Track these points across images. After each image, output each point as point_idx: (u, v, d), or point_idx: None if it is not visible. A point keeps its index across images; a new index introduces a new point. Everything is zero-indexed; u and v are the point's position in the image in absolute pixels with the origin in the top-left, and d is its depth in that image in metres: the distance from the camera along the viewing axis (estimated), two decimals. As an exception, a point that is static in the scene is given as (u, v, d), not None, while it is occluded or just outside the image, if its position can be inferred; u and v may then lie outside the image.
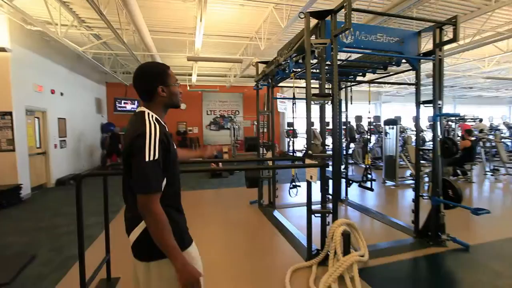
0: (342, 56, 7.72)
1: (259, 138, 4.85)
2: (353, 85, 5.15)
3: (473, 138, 6.45)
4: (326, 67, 2.90)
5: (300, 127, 11.31)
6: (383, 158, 6.86)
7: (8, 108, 5.63)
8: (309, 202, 2.78)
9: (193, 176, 8.06)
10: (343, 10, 2.48)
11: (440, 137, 3.22)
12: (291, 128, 11.32)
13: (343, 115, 5.16)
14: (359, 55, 4.31)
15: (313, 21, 2.88)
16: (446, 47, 7.24)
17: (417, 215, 3.38)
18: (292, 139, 5.48)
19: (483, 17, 6.26)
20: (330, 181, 3.08)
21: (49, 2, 5.26)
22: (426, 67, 10.23)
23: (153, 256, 1.10)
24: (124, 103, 11.05)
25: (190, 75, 9.50)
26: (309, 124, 2.76)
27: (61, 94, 7.63)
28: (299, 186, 4.13)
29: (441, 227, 3.16)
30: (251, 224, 4.21)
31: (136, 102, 11.31)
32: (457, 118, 7.37)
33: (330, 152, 2.87)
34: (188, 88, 11.06)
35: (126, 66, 9.87)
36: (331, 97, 2.68)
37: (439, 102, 3.19)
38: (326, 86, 2.76)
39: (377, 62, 3.88)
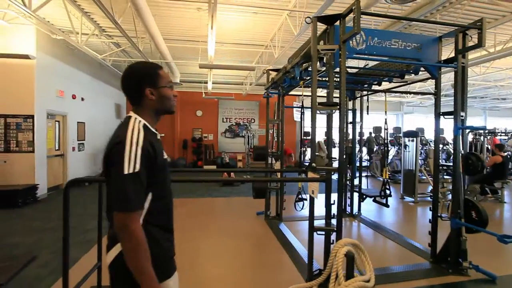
0: (355, 63, 7.53)
1: (267, 147, 4.71)
2: (368, 94, 4.90)
3: (504, 154, 5.90)
4: (335, 75, 2.74)
5: (318, 136, 11.02)
6: (402, 172, 6.45)
7: (31, 112, 5.90)
8: (311, 218, 2.58)
9: (203, 183, 8.01)
10: (352, 14, 2.32)
11: (462, 152, 2.92)
12: (307, 137, 11.12)
13: (358, 126, 4.90)
14: (375, 62, 4.10)
15: (322, 27, 2.75)
16: (474, 55, 6.86)
17: (434, 237, 3.06)
18: (307, 148, 5.30)
19: (516, 23, 5.81)
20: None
21: (72, 12, 5.52)
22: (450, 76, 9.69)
23: (128, 283, 0.94)
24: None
25: (206, 82, 9.58)
26: (313, 134, 2.58)
27: (82, 99, 7.94)
28: (306, 199, 3.92)
29: (462, 253, 2.82)
30: (255, 236, 4.03)
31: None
32: (485, 131, 6.81)
33: (336, 165, 2.67)
34: (203, 95, 11.17)
35: (145, 73, 10.13)
36: (338, 106, 2.50)
37: (462, 113, 2.90)
38: (334, 95, 2.59)
39: (393, 70, 3.64)
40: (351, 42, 2.75)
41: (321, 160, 2.60)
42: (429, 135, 11.18)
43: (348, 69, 6.63)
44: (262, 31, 6.40)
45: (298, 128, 12.94)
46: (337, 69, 2.65)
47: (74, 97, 7.51)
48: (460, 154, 2.89)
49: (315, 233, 2.57)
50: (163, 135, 11.90)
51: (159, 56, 6.97)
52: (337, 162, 2.67)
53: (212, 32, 4.67)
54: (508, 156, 5.90)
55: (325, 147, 2.76)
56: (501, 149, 5.82)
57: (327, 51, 2.53)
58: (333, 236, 2.62)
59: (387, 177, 4.12)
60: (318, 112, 2.56)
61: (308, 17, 2.56)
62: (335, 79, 3.23)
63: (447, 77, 8.74)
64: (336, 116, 2.58)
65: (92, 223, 4.31)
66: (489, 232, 2.64)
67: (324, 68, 3.01)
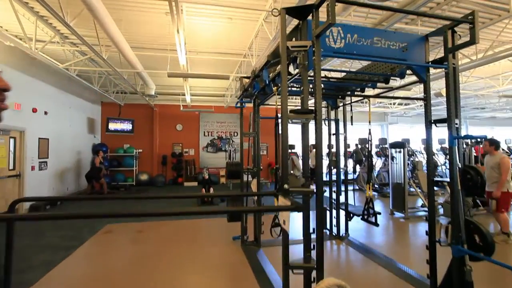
0: (336, 68, 7.24)
1: (242, 163, 4.21)
2: (352, 102, 4.54)
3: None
4: (310, 78, 2.32)
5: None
6: (390, 185, 6.08)
7: (-25, 128, 5.21)
8: (285, 254, 2.07)
9: (180, 202, 7.37)
10: (326, 2, 1.92)
11: (460, 165, 2.52)
12: (292, 150, 10.70)
13: (341, 137, 4.50)
14: (360, 66, 3.75)
15: (296, 24, 2.35)
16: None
17: (433, 266, 2.60)
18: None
19: (496, 29, 5.72)
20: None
21: (26, 16, 4.98)
22: (435, 86, 9.64)
23: None
24: (117, 123, 10.68)
25: (184, 94, 9.11)
26: (285, 148, 2.11)
27: (45, 113, 7.26)
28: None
29: (467, 286, 2.37)
30: (228, 268, 3.46)
31: (129, 122, 10.94)
32: (482, 140, 6.58)
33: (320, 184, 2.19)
34: (181, 108, 10.65)
35: (119, 85, 9.58)
36: (313, 115, 2.05)
37: (456, 121, 2.52)
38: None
39: (376, 74, 3.28)
40: (327, 39, 2.36)
41: (296, 180, 2.13)
42: (415, 145, 11.03)
43: (327, 73, 6.37)
44: (239, 39, 6.05)
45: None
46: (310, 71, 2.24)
47: (35, 110, 6.82)
48: (458, 168, 2.49)
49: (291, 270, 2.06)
50: (140, 150, 11.24)
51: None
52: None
53: (179, 37, 4.23)
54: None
55: (300, 163, 2.29)
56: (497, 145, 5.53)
57: (299, 49, 2.11)
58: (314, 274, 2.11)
59: (371, 194, 3.67)
60: (290, 121, 2.11)
61: (275, 8, 2.15)
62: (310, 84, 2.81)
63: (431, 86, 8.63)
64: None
65: (37, 258, 3.64)
66: (499, 263, 2.19)
67: (297, 71, 2.59)
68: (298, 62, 2.30)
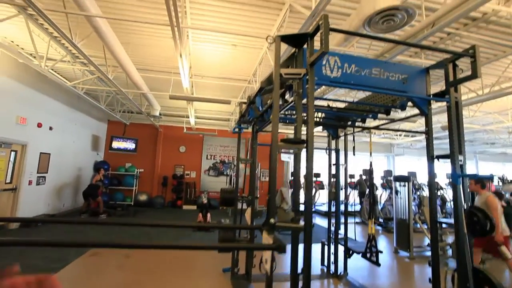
0: (335, 98, 7.25)
1: (237, 191, 4.05)
2: (354, 132, 4.43)
3: (505, 204, 5.30)
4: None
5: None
6: (395, 221, 5.75)
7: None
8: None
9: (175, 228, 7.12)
10: (323, 32, 1.89)
11: (465, 206, 2.32)
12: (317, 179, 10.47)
13: (342, 168, 4.33)
14: (361, 97, 3.69)
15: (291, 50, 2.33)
16: (462, 97, 6.66)
17: (439, 320, 2.31)
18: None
19: (502, 65, 5.68)
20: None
21: (41, 36, 5.19)
22: (441, 119, 9.52)
23: None
24: (120, 141, 10.74)
25: (189, 117, 9.18)
26: (273, 180, 1.97)
27: (50, 128, 7.36)
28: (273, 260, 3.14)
29: None
30: (213, 304, 3.18)
31: (132, 141, 11.01)
32: (488, 180, 6.29)
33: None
34: (184, 130, 10.70)
35: (125, 104, 9.76)
36: (305, 145, 1.94)
37: (460, 157, 2.37)
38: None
39: (377, 105, 3.19)
40: (323, 68, 2.31)
41: (284, 214, 1.98)
42: (422, 179, 10.68)
43: (330, 103, 6.33)
44: (243, 66, 6.15)
45: (285, 168, 12.36)
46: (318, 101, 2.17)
47: (40, 125, 6.92)
48: (463, 210, 2.29)
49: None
50: (142, 170, 11.18)
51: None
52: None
53: (182, 62, 4.30)
54: (509, 206, 5.26)
55: (289, 196, 2.14)
56: (501, 198, 5.24)
57: (292, 76, 2.05)
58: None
59: (374, 232, 3.43)
60: (279, 151, 1.99)
61: (269, 36, 2.14)
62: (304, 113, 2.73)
63: (436, 119, 8.53)
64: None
65: None
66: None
67: (294, 99, 2.53)
68: (293, 89, 2.24)
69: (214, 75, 6.74)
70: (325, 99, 3.25)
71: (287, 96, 2.63)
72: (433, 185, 2.54)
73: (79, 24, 4.19)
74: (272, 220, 1.84)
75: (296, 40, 2.17)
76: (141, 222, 1.97)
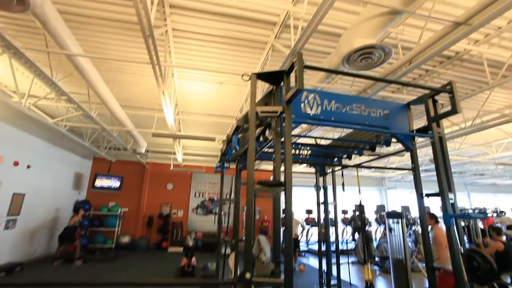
0: (322, 135, 7.25)
1: (220, 234, 3.75)
2: (341, 169, 4.31)
3: (504, 239, 5.08)
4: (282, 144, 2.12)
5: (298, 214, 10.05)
6: (391, 261, 5.41)
7: None
8: None
9: (159, 268, 6.54)
10: (297, 70, 1.84)
11: (462, 250, 2.13)
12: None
13: (331, 205, 4.13)
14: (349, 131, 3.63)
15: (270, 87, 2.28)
16: (445, 130, 6.79)
17: None
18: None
19: (480, 99, 5.87)
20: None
21: (26, 74, 5.15)
22: (429, 151, 9.60)
23: None
24: (104, 179, 10.33)
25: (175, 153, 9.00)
26: (249, 228, 1.77)
27: (28, 166, 7.02)
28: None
29: None
30: None
31: (117, 178, 10.60)
32: (482, 218, 6.14)
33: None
34: (171, 167, 10.43)
35: (111, 141, 9.56)
36: (283, 188, 1.78)
37: (450, 196, 2.23)
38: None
39: (361, 141, 3.12)
40: (302, 106, 2.24)
41: (262, 266, 1.74)
42: (416, 212, 10.46)
43: (310, 139, 6.28)
44: (230, 103, 6.18)
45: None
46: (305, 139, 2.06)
47: (16, 163, 6.59)
48: (460, 254, 2.10)
49: None
50: (126, 209, 10.63)
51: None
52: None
53: (165, 99, 4.25)
54: (511, 243, 5.04)
55: (268, 246, 1.92)
56: (499, 233, 5.03)
57: (269, 114, 1.96)
58: None
59: (370, 277, 3.14)
60: (256, 194, 1.83)
61: (245, 74, 2.09)
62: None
63: (424, 151, 8.58)
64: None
65: None
66: None
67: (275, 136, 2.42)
68: (271, 128, 2.14)
69: (201, 112, 6.74)
70: (310, 136, 3.18)
71: (267, 134, 2.53)
72: (425, 225, 2.35)
73: (62, 62, 4.18)
74: (247, 275, 1.61)
75: (273, 78, 2.13)
76: (89, 281, 1.68)
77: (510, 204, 13.78)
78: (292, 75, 1.93)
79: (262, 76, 2.09)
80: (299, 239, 7.39)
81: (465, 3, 3.35)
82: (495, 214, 9.00)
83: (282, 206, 2.01)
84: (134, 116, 6.60)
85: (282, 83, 2.12)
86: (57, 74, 4.09)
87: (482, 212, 7.57)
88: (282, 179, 1.81)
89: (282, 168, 1.85)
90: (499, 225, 7.33)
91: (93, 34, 3.94)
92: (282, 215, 2.03)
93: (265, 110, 1.95)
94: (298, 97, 2.21)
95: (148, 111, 6.39)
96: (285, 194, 1.76)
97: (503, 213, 9.07)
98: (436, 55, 3.18)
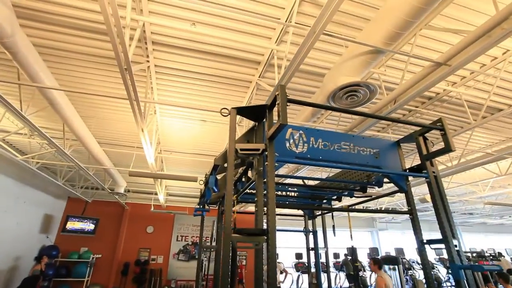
0: (310, 175, 7.03)
1: (197, 285, 3.27)
2: (332, 211, 4.04)
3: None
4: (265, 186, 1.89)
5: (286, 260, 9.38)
6: (391, 315, 4.87)
7: None
8: None
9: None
10: (279, 103, 1.69)
11: (475, 309, 1.83)
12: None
13: (322, 251, 3.76)
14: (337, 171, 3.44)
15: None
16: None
17: None
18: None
19: (463, 139, 5.94)
20: None
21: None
22: (417, 191, 9.50)
23: None
24: (77, 222, 9.49)
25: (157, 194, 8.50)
26: (225, 280, 1.45)
27: (-12, 209, 6.33)
28: None
29: None
30: None
31: (92, 221, 9.77)
32: (496, 272, 5.84)
33: None
34: (152, 208, 9.79)
35: (89, 180, 8.99)
36: (265, 237, 1.50)
37: (455, 242, 1.99)
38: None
39: (352, 182, 2.93)
40: (287, 143, 2.07)
41: None
42: (410, 254, 9.96)
43: (297, 180, 6.08)
44: (214, 141, 6.01)
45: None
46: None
47: (-27, 206, 5.93)
48: (474, 314, 1.79)
49: None
50: (99, 256, 9.65)
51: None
52: None
53: (145, 136, 4.03)
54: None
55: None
56: (507, 280, 4.62)
57: (250, 152, 1.75)
58: None
59: None
60: (234, 244, 1.53)
61: (224, 108, 1.92)
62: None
63: (412, 191, 8.45)
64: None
65: None
66: None
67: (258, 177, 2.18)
68: (253, 167, 1.93)
69: (184, 150, 6.50)
70: (296, 177, 2.97)
71: (250, 174, 2.30)
72: (431, 281, 2.05)
73: (35, 96, 3.96)
74: None
75: (255, 113, 1.97)
76: None
77: (502, 245, 13.51)
78: (276, 110, 1.78)
79: (243, 111, 1.93)
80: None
81: (442, 47, 3.49)
82: (491, 257, 8.66)
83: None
84: (113, 154, 6.28)
85: (264, 120, 1.95)
86: (27, 107, 3.84)
87: (481, 256, 7.23)
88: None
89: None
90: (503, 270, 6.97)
91: (70, 68, 3.81)
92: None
93: (246, 148, 1.75)
94: (282, 134, 2.05)
95: (128, 149, 6.10)
96: (267, 244, 1.47)
97: (501, 256, 8.73)
98: (419, 94, 3.18)
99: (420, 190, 9.44)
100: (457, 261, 1.92)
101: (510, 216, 14.21)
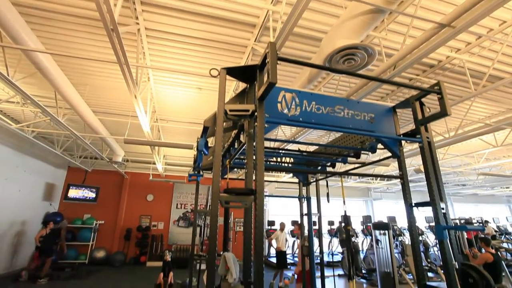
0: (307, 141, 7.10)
1: (193, 248, 3.41)
2: (326, 177, 4.09)
3: (493, 250, 4.93)
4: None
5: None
6: (378, 275, 5.18)
7: None
8: None
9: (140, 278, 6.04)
10: (269, 61, 1.61)
11: (456, 265, 1.92)
12: (272, 227, 9.74)
13: (315, 217, 3.88)
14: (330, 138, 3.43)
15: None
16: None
17: None
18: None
19: (462, 109, 5.88)
20: None
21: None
22: (413, 162, 9.63)
23: None
24: (78, 190, 9.71)
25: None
26: (213, 242, 1.50)
27: (-12, 177, 6.43)
28: None
29: None
30: None
31: (93, 189, 10.00)
32: (480, 232, 6.06)
33: None
34: (151, 177, 9.96)
35: (87, 149, 9.04)
36: (253, 196, 1.52)
37: (442, 205, 2.04)
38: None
39: (346, 147, 2.93)
40: (279, 105, 2.02)
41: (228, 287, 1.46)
42: (402, 222, 10.35)
43: (301, 147, 6.08)
44: (210, 109, 5.92)
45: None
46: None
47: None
48: (454, 269, 1.88)
49: None
50: (102, 222, 10.01)
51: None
52: None
53: (139, 103, 3.95)
54: (499, 253, 4.91)
55: (235, 265, 1.65)
56: (488, 244, 4.89)
57: (239, 113, 1.72)
58: None
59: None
60: (223, 204, 1.56)
61: (214, 68, 1.85)
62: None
63: (408, 162, 8.56)
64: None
65: None
66: None
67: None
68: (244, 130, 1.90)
69: (180, 119, 6.43)
70: (290, 141, 2.96)
71: (241, 138, 2.29)
72: (416, 241, 2.13)
73: (22, 60, 3.82)
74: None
75: (246, 75, 1.90)
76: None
77: (491, 214, 14.02)
78: (267, 70, 1.71)
79: (233, 71, 1.86)
80: (284, 251, 6.96)
81: (447, 9, 3.30)
82: (478, 223, 9.03)
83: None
84: (109, 123, 6.23)
85: (256, 82, 1.89)
86: (14, 73, 3.72)
87: (467, 222, 7.53)
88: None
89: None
90: (486, 236, 7.29)
91: (56, 31, 3.62)
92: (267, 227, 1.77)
93: (235, 109, 1.71)
94: (274, 96, 1.99)
95: (123, 118, 6.04)
96: (255, 203, 1.50)
97: (487, 223, 9.11)
98: (421, 59, 3.07)
99: (416, 161, 9.56)
100: (442, 222, 1.98)
101: (501, 187, 14.57)
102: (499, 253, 5.92)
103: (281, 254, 6.71)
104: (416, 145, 7.78)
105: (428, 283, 2.07)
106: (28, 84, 4.91)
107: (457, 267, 1.94)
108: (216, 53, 4.15)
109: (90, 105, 5.29)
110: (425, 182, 2.10)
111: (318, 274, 3.69)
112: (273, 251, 7.36)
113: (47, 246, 7.41)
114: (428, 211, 2.10)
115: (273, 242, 7.06)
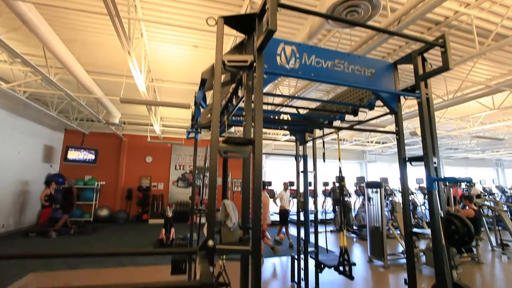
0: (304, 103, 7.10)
1: (193, 203, 3.57)
2: (323, 136, 4.15)
3: (476, 207, 5.28)
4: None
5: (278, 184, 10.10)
6: (368, 229, 5.53)
7: None
8: None
9: (138, 241, 6.43)
10: (269, 7, 1.54)
11: (442, 214, 2.06)
12: (268, 187, 10.08)
13: (311, 175, 4.01)
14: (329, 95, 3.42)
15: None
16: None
17: None
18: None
19: (463, 71, 5.79)
20: None
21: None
22: (409, 125, 9.71)
23: None
24: (77, 152, 9.80)
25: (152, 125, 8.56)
26: (212, 190, 1.57)
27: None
28: None
29: None
30: None
31: (92, 151, 10.09)
32: (467, 184, 6.30)
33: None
34: (148, 139, 10.01)
35: (83, 111, 8.93)
36: (251, 146, 1.56)
37: (434, 160, 2.11)
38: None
39: (343, 104, 2.93)
40: (278, 58, 1.97)
41: (229, 233, 1.57)
42: (394, 184, 10.77)
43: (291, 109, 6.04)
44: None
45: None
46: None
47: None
48: (440, 218, 2.02)
49: None
50: (103, 183, 10.28)
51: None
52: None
53: (132, 60, 3.81)
54: (481, 211, 5.25)
55: (234, 211, 1.75)
56: (471, 201, 5.21)
57: (238, 64, 1.68)
58: None
59: (346, 244, 3.12)
60: (222, 154, 1.60)
61: (211, 17, 1.76)
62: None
63: (404, 125, 8.63)
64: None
65: None
66: None
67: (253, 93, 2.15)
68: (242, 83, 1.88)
69: (176, 79, 6.28)
70: (287, 96, 2.95)
71: (240, 93, 2.26)
72: (406, 191, 2.25)
73: (4, 14, 3.59)
74: (210, 242, 1.42)
75: (244, 24, 1.82)
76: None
77: (480, 177, 14.55)
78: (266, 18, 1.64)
79: (230, 20, 1.77)
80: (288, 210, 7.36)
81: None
82: (466, 185, 9.45)
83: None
84: (103, 83, 6.07)
85: (255, 33, 1.82)
86: (-1, 26, 3.52)
87: (468, 182, 7.86)
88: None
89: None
90: (469, 193, 7.67)
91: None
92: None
93: (233, 59, 1.67)
94: (274, 49, 1.94)
95: (118, 77, 5.87)
96: (254, 153, 1.54)
97: (474, 184, 9.55)
98: (428, 11, 2.93)
99: (412, 124, 9.64)
100: (433, 175, 2.07)
101: (491, 151, 14.94)
102: (481, 210, 6.30)
103: (285, 212, 7.12)
104: (412, 108, 7.78)
105: (414, 230, 2.23)
106: (14, 40, 4.67)
107: (442, 215, 2.08)
108: (212, 6, 3.92)
109: (82, 64, 5.09)
110: (419, 146, 2.15)
111: (312, 230, 3.94)
112: (276, 209, 7.79)
113: (66, 204, 7.81)
114: (418, 171, 2.18)
115: (277, 201, 7.47)
